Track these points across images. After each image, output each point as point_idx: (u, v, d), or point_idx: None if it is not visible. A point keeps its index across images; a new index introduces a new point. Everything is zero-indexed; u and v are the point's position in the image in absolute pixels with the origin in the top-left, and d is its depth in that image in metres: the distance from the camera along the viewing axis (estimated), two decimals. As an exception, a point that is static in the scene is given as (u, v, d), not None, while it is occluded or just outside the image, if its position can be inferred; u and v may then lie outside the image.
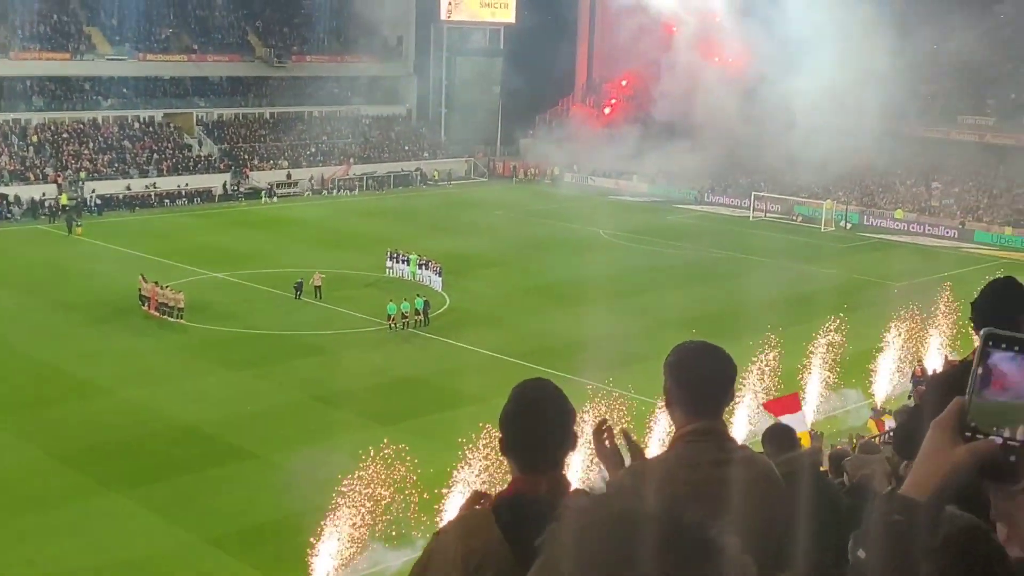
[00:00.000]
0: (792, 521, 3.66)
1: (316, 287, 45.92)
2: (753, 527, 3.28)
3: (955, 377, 2.94)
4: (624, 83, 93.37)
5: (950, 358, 24.28)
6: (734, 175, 79.54)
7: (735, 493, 3.44)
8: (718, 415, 3.71)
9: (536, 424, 3.36)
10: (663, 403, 3.72)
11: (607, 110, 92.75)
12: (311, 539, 22.60)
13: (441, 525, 4.27)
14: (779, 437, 7.28)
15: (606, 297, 44.77)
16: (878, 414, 29.78)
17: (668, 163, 79.00)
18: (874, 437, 24.69)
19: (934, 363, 33.58)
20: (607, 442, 3.78)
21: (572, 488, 3.39)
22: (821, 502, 4.34)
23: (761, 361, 30.41)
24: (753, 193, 74.24)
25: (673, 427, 3.74)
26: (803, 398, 28.27)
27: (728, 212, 74.70)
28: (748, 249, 59.39)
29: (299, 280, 46.09)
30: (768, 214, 73.74)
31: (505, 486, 3.39)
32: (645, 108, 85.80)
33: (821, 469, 7.84)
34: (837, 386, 32.47)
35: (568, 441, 3.40)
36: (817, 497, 4.36)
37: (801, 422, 25.01)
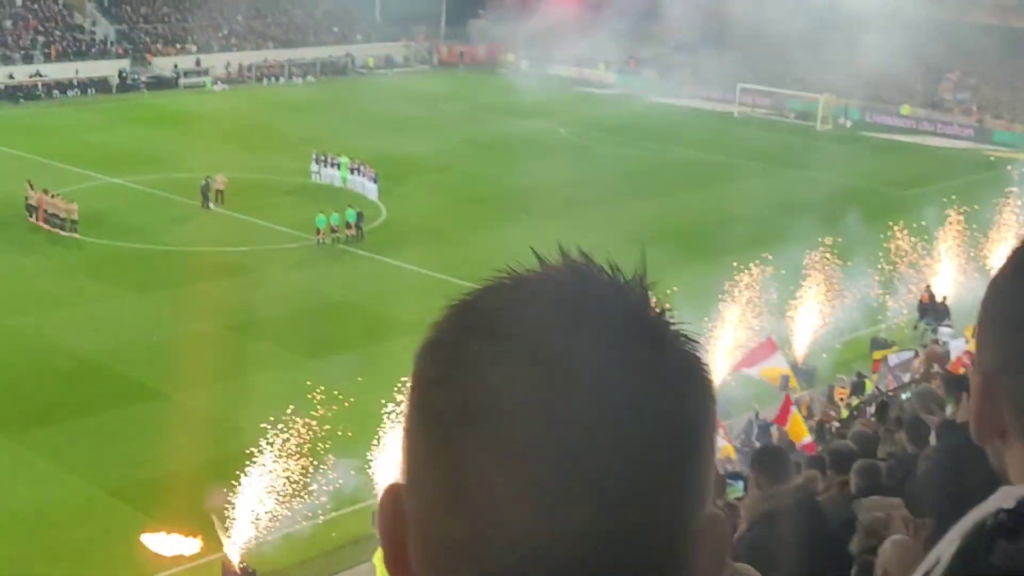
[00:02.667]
0: None
1: (219, 191, 45.66)
2: None
3: None
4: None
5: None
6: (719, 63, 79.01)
7: None
8: None
9: None
10: None
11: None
12: (225, 490, 22.55)
13: None
14: (768, 463, 7.10)
15: (567, 207, 44.66)
16: (879, 345, 30.24)
17: (642, 50, 78.37)
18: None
19: (944, 288, 34.08)
20: None
21: None
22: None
23: (742, 286, 30.79)
24: (739, 85, 74.02)
25: None
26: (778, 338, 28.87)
27: (710, 107, 74.57)
28: (732, 151, 59.57)
29: (205, 180, 45.74)
30: (756, 108, 73.91)
31: None
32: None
33: (816, 498, 7.66)
34: (830, 315, 32.54)
35: None
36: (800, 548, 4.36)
37: (780, 363, 26.01)
